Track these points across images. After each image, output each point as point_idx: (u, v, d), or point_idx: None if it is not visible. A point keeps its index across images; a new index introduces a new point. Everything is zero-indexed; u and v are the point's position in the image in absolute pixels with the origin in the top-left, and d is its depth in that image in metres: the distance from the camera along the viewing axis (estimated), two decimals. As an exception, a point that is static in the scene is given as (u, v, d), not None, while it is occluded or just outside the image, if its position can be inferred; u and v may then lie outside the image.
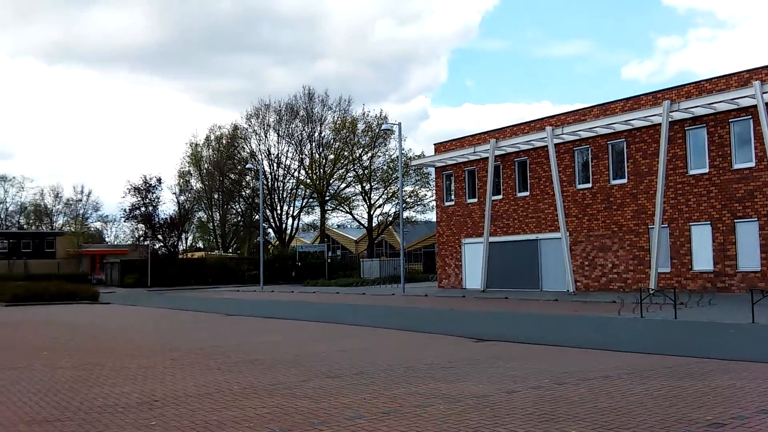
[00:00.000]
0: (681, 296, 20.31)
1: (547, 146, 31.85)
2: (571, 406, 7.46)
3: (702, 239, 27.72)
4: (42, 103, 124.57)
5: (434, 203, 44.46)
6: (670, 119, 27.44)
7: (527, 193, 34.85)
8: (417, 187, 63.18)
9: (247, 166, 63.69)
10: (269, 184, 65.88)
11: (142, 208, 58.02)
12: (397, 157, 52.85)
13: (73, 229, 74.28)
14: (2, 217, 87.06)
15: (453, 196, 39.25)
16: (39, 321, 22.85)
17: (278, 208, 67.88)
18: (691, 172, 28.16)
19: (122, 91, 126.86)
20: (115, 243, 77.69)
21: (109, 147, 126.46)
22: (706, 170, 27.65)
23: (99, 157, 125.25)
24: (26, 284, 36.24)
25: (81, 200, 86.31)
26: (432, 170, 47.42)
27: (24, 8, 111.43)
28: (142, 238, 59.25)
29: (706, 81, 28.11)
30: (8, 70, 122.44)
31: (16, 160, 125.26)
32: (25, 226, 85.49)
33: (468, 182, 38.28)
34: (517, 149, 34.73)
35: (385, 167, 64.32)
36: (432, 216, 63.52)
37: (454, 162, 38.35)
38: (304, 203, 68.96)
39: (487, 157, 34.82)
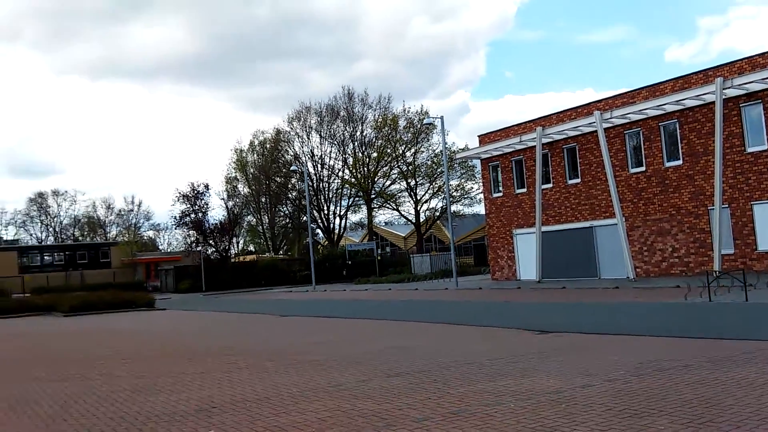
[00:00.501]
0: (748, 277, 19.37)
1: (596, 131, 30.95)
2: (652, 399, 6.94)
3: (765, 218, 26.53)
4: (89, 118, 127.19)
5: (481, 196, 43.76)
6: (723, 96, 26.31)
7: (578, 180, 33.94)
8: (463, 180, 62.54)
9: (291, 168, 63.89)
10: (315, 185, 65.97)
11: (192, 215, 58.59)
12: (441, 151, 52.27)
13: (126, 239, 75.55)
14: (57, 230, 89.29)
15: (501, 187, 38.52)
16: (95, 330, 23.03)
17: (325, 208, 67.99)
18: (750, 150, 26.95)
19: (166, 103, 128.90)
20: (168, 250, 78.77)
21: (156, 157, 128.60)
22: (765, 147, 26.46)
23: (147, 167, 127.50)
24: (83, 294, 36.74)
25: (132, 210, 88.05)
26: (477, 162, 46.70)
27: (66, 29, 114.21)
28: (194, 244, 59.83)
29: (758, 56, 26.88)
30: (54, 88, 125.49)
31: (68, 175, 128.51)
32: (79, 238, 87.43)
33: (516, 172, 37.50)
34: (564, 136, 33.86)
35: (429, 162, 63.87)
36: (479, 209, 62.82)
37: (500, 153, 37.61)
38: (350, 202, 68.98)
39: (534, 146, 34.03)
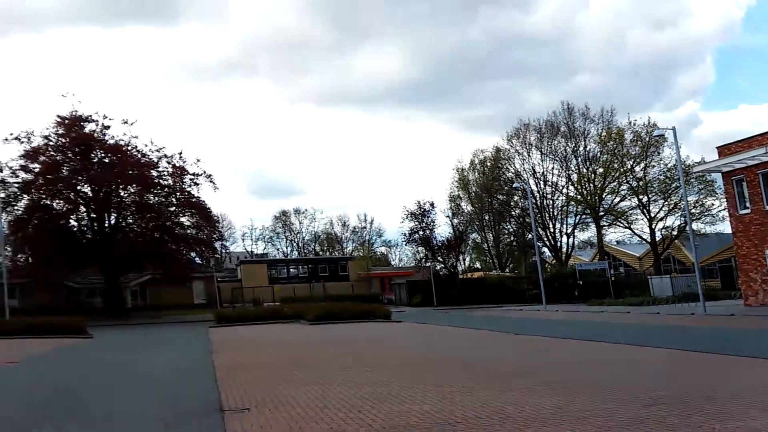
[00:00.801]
0: None
1: None
2: None
3: None
4: (320, 142, 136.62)
5: (725, 213, 39.95)
6: None
7: (838, 195, 29.66)
8: (701, 197, 57.63)
9: (513, 186, 63.29)
10: (538, 202, 64.70)
11: (420, 232, 60.38)
12: (674, 165, 48.32)
13: (361, 254, 79.66)
14: (300, 245, 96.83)
15: (748, 203, 34.77)
16: (339, 338, 24.14)
17: (550, 226, 66.30)
18: None
19: (388, 126, 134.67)
20: (400, 265, 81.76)
21: (383, 178, 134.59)
22: None
23: (376, 187, 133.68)
24: (326, 305, 39.41)
25: (365, 227, 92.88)
26: (717, 177, 42.76)
27: (298, 63, 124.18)
28: (423, 260, 61.67)
29: None
30: (288, 115, 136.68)
31: (308, 195, 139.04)
32: (320, 253, 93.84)
33: (764, 187, 33.62)
34: (814, 145, 29.78)
35: (661, 177, 59.80)
36: (722, 227, 57.62)
37: (744, 165, 33.96)
38: (576, 220, 66.62)
39: (782, 157, 30.37)
